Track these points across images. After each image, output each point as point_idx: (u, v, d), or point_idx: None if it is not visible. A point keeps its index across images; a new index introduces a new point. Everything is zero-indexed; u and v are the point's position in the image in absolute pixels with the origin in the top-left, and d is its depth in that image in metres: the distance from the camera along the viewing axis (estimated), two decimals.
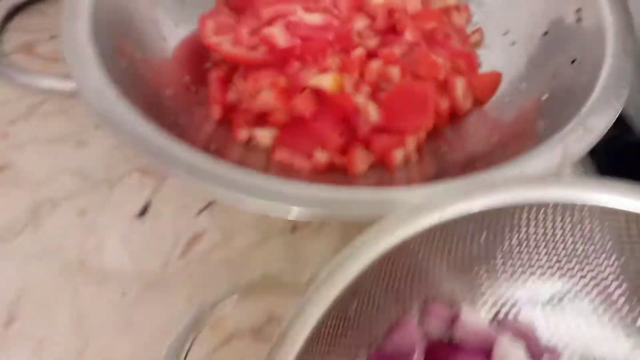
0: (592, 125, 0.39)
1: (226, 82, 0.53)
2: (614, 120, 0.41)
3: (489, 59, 0.57)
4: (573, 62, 0.48)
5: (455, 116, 0.53)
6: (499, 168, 0.37)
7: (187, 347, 0.29)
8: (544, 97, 0.48)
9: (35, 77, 0.42)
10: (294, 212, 0.36)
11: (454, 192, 0.33)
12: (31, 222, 0.48)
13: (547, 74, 0.50)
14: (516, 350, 0.37)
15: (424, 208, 0.32)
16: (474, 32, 0.59)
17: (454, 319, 0.39)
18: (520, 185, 0.33)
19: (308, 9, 0.52)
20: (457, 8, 0.60)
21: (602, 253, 0.37)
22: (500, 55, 0.56)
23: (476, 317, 0.39)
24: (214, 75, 0.53)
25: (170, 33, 0.54)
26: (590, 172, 0.57)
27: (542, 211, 0.34)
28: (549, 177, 0.35)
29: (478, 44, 0.59)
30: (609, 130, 0.55)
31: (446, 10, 0.60)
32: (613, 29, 0.46)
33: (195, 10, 0.56)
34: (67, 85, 0.40)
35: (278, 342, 0.26)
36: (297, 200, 0.36)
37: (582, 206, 0.33)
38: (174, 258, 0.46)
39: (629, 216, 0.33)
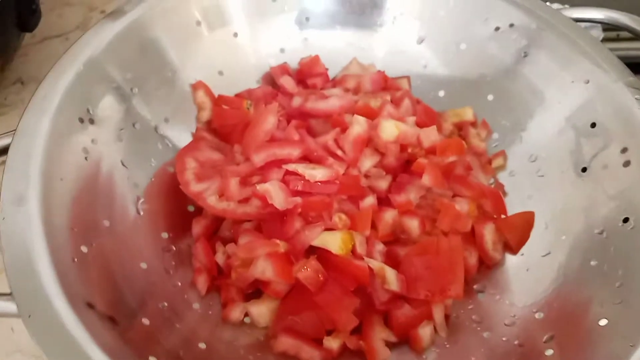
0: None
1: (212, 236, 0.45)
2: None
3: (517, 189, 0.50)
4: (625, 221, 0.40)
5: (484, 268, 0.46)
6: None
7: None
8: (593, 262, 0.40)
9: None
10: None
11: None
12: None
13: (591, 228, 0.42)
14: None
15: None
16: (496, 156, 0.51)
17: None
18: None
19: (306, 156, 0.44)
20: (473, 124, 0.53)
21: None
22: (528, 186, 0.49)
23: None
24: (198, 229, 0.45)
25: (142, 176, 0.45)
26: None
27: None
28: None
29: (501, 168, 0.51)
30: None
31: (462, 126, 0.53)
32: None
33: (172, 144, 0.48)
34: (8, 308, 0.31)
35: None
36: None
37: None
38: None
39: None
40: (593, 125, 0.46)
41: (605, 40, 0.68)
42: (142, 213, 0.44)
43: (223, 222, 0.46)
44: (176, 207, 0.46)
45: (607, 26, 0.57)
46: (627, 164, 0.42)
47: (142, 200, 0.44)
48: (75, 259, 0.35)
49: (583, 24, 0.58)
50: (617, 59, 0.47)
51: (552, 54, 0.49)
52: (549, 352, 0.37)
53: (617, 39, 0.79)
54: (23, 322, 0.31)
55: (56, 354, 0.30)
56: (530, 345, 0.38)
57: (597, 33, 0.65)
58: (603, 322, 0.36)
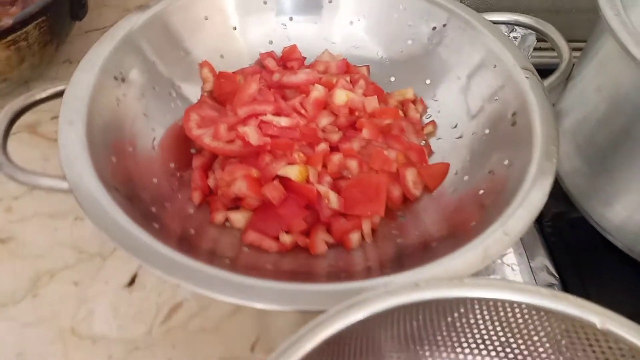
0: (510, 229, 0.47)
1: (207, 169, 0.61)
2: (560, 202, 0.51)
3: (441, 149, 0.65)
4: (506, 163, 0.55)
5: (407, 202, 0.61)
6: (429, 266, 0.44)
7: None
8: (481, 192, 0.55)
9: (35, 177, 0.49)
10: (259, 306, 0.42)
11: (386, 289, 0.40)
12: (31, 292, 0.55)
13: (485, 170, 0.58)
14: None
15: (360, 301, 0.39)
16: (427, 124, 0.67)
17: None
18: (436, 285, 0.41)
19: (278, 112, 0.60)
20: (413, 101, 0.69)
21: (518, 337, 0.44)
22: (450, 146, 0.64)
23: None
24: (197, 163, 0.61)
25: (158, 124, 0.61)
26: (539, 243, 0.66)
27: (456, 305, 0.41)
28: (455, 279, 0.42)
29: (432, 134, 0.67)
30: (556, 207, 0.65)
31: (404, 102, 0.69)
32: (540, 137, 0.54)
33: (182, 104, 0.64)
34: (62, 185, 0.48)
35: None
36: (260, 297, 0.42)
37: (486, 300, 0.41)
38: (156, 325, 0.53)
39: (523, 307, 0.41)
40: (495, 98, 0.61)
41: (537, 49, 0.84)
42: (156, 149, 0.60)
43: (215, 160, 0.62)
44: (182, 149, 0.62)
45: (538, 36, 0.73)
46: (514, 124, 0.58)
47: (156, 140, 0.61)
48: (106, 163, 0.51)
49: (522, 31, 0.75)
50: (518, 50, 0.63)
51: (472, 46, 0.65)
52: (434, 244, 0.52)
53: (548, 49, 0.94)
54: (73, 194, 0.47)
55: (93, 214, 0.46)
56: (425, 241, 0.54)
57: (532, 39, 0.81)
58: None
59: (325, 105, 0.62)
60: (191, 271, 0.43)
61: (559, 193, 0.65)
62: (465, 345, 0.46)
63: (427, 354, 0.47)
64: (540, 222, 0.67)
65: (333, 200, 0.57)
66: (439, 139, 0.66)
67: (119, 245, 0.44)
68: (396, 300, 0.40)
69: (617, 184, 0.58)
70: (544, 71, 0.62)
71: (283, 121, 0.58)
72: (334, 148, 0.61)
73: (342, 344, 0.41)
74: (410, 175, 0.60)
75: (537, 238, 0.66)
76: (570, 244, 0.67)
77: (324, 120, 0.62)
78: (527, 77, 0.59)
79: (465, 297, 0.41)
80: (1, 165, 0.49)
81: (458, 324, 0.45)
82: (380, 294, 0.40)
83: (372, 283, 0.43)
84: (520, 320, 0.43)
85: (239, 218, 0.57)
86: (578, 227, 0.67)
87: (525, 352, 0.45)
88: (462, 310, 0.43)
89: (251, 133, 0.57)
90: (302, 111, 0.61)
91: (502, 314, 0.43)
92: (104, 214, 0.46)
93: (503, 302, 0.42)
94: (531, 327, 0.43)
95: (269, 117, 0.58)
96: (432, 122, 0.67)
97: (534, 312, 0.42)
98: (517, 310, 0.42)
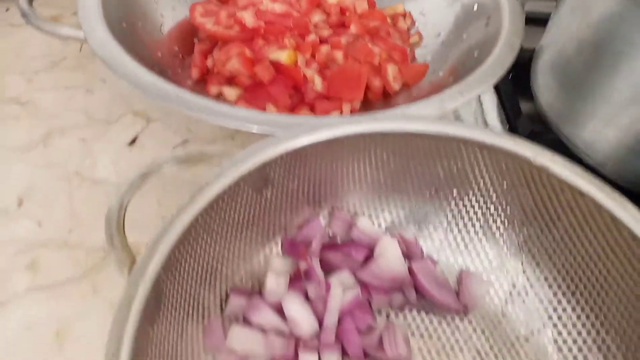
0: (465, 90, 0.52)
1: (207, 53, 0.67)
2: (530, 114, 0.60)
3: (425, 56, 0.71)
4: (476, 55, 0.61)
5: (387, 95, 0.67)
6: (389, 110, 0.50)
7: (134, 192, 0.42)
8: (450, 78, 0.61)
9: (56, 26, 0.56)
10: (254, 129, 0.48)
11: (348, 119, 0.46)
12: (43, 142, 0.61)
13: (459, 64, 0.63)
14: (393, 246, 0.49)
15: (322, 126, 0.45)
16: (413, 35, 0.73)
17: (352, 225, 0.51)
18: (391, 118, 0.47)
19: (274, 0, 0.66)
20: (403, 15, 0.75)
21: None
22: (432, 52, 0.70)
23: (369, 224, 0.51)
24: (198, 48, 0.67)
25: (167, 13, 0.68)
26: None
27: (412, 142, 0.47)
28: (409, 115, 0.48)
29: (417, 44, 0.73)
30: (535, 127, 0.69)
31: (394, 16, 0.74)
32: (507, 32, 0.60)
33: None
34: (79, 34, 0.54)
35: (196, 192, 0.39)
36: (256, 123, 0.48)
37: (435, 137, 0.46)
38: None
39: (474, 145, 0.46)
40: (475, 8, 0.67)
41: None
42: (163, 33, 0.67)
43: (215, 47, 0.68)
44: (186, 39, 0.69)
45: None
46: (487, 25, 0.64)
47: (164, 26, 0.67)
48: (117, 25, 0.58)
49: None
50: None
51: None
52: None
53: None
54: (87, 41, 0.54)
55: (104, 56, 0.53)
56: None
57: None
58: None
59: (318, 4, 0.68)
60: (200, 105, 0.49)
61: (535, 116, 0.69)
62: (418, 192, 0.52)
63: (390, 201, 0.52)
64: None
65: (318, 83, 0.63)
66: (424, 47, 0.72)
67: (130, 83, 0.51)
68: (356, 128, 0.46)
69: (589, 102, 0.63)
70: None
71: (277, 7, 0.64)
72: (323, 42, 0.67)
73: (310, 165, 0.47)
74: (391, 69, 0.66)
75: None
76: None
77: (317, 17, 0.68)
78: None
79: (418, 131, 0.47)
80: (29, 17, 0.56)
81: (412, 170, 0.50)
82: (342, 121, 0.46)
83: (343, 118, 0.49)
84: (467, 163, 0.49)
85: (231, 93, 0.63)
86: (553, 148, 0.71)
87: (473, 199, 0.51)
88: (416, 148, 0.48)
89: (247, 16, 0.63)
90: (297, 6, 0.67)
91: (451, 159, 0.48)
92: (113, 57, 0.52)
93: (451, 139, 0.47)
94: (476, 168, 0.49)
95: (265, 5, 0.64)
96: (418, 32, 0.72)
97: (477, 150, 0.47)
98: (463, 150, 0.48)
